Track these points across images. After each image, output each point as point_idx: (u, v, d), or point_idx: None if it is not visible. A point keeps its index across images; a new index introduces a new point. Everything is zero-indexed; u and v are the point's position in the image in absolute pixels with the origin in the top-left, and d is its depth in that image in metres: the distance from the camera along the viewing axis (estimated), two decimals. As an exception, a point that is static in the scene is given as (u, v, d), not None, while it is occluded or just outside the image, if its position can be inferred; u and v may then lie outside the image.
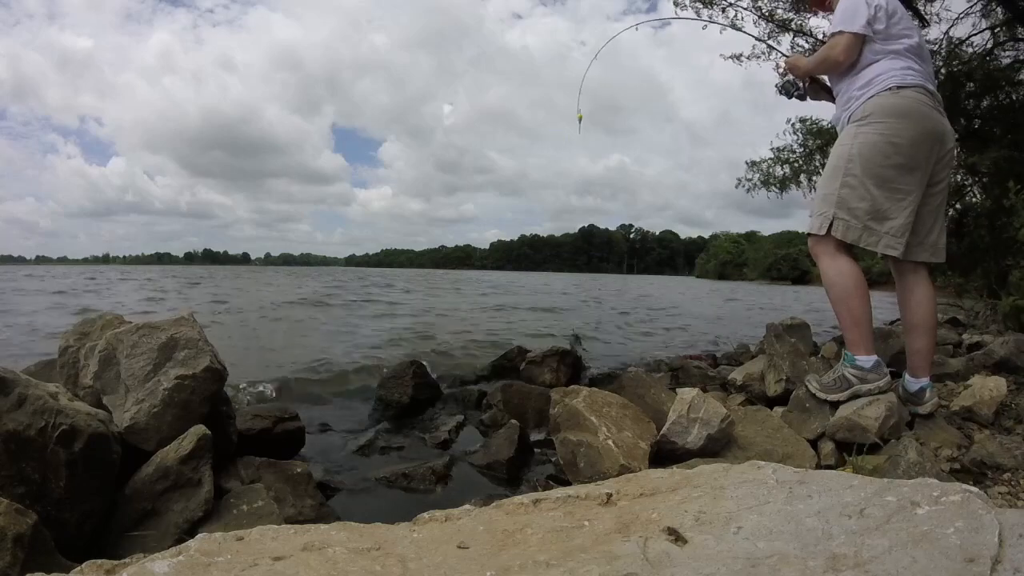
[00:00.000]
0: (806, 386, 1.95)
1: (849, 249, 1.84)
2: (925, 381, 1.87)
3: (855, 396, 1.82)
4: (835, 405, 1.85)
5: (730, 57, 5.66)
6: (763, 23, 5.57)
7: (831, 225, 1.80)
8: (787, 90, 2.21)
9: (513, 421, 2.30)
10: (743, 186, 6.45)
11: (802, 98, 2.22)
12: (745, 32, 5.28)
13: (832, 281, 1.84)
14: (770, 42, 5.57)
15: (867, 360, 1.82)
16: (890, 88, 1.78)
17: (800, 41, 5.42)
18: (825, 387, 1.88)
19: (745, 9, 5.42)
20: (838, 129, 1.97)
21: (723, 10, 5.42)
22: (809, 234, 1.90)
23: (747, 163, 6.52)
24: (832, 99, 2.07)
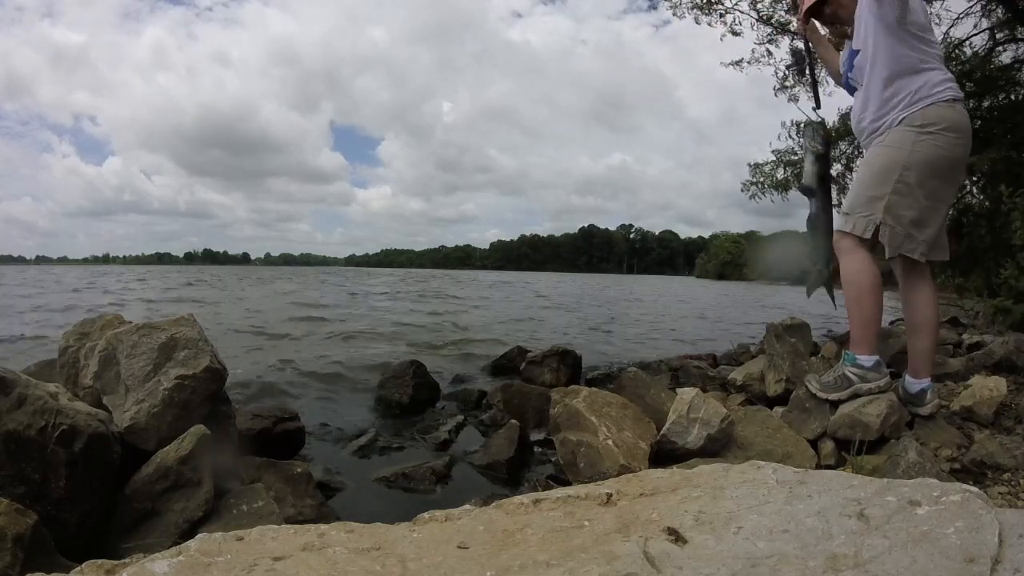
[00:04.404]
0: (806, 386, 1.94)
1: (872, 247, 1.84)
2: (926, 382, 1.87)
3: (855, 395, 1.82)
4: (835, 405, 1.85)
5: (730, 64, 5.68)
6: (762, 26, 5.59)
7: (877, 229, 1.78)
8: (798, 59, 2.17)
9: (513, 421, 2.30)
10: (747, 191, 6.45)
11: (802, 72, 2.16)
12: (753, 18, 5.30)
13: (851, 278, 1.84)
14: (769, 46, 5.59)
15: (868, 359, 1.83)
16: (948, 100, 1.76)
17: (799, 44, 5.43)
18: (825, 386, 1.88)
19: (743, 13, 5.44)
20: (874, 128, 1.87)
21: (721, 16, 5.44)
22: (838, 229, 1.88)
23: (750, 165, 6.52)
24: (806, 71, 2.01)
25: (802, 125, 2.10)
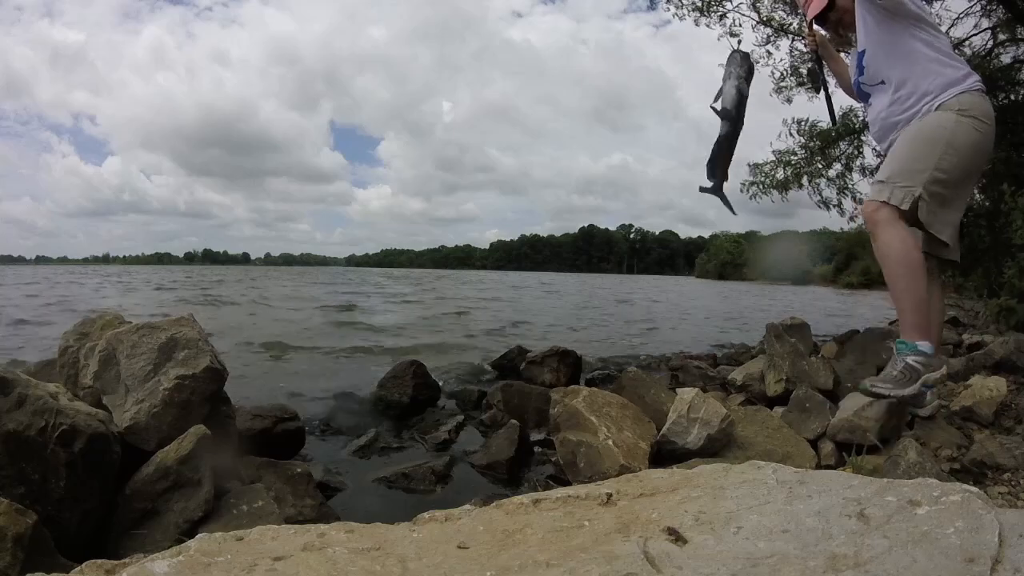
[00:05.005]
0: (871, 393, 1.71)
1: (910, 222, 1.74)
2: None
3: (925, 386, 1.69)
4: (835, 405, 1.85)
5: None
6: (761, 28, 5.59)
7: (916, 202, 1.68)
8: (813, 78, 2.16)
9: (513, 421, 2.30)
10: (747, 191, 6.43)
11: (818, 89, 2.16)
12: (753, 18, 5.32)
13: (894, 253, 1.67)
14: (769, 47, 5.60)
15: (927, 345, 1.69)
16: (979, 90, 1.73)
17: (799, 45, 5.44)
18: (896, 383, 1.68)
19: (744, 15, 5.44)
20: (908, 118, 1.78)
21: (720, 17, 5.45)
22: (872, 199, 1.75)
23: (750, 165, 6.51)
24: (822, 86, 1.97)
25: (730, 53, 2.14)
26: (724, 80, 2.10)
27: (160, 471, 1.38)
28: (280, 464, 1.72)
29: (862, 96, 1.98)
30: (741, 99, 2.08)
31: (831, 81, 2.32)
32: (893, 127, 1.85)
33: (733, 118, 2.07)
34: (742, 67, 2.09)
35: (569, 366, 3.50)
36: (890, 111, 1.84)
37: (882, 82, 1.84)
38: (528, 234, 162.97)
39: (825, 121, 6.02)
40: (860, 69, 1.91)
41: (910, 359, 1.67)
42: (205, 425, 1.49)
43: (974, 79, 1.73)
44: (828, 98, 2.26)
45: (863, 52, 1.87)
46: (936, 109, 1.72)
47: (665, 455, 1.77)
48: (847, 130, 5.86)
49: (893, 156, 1.79)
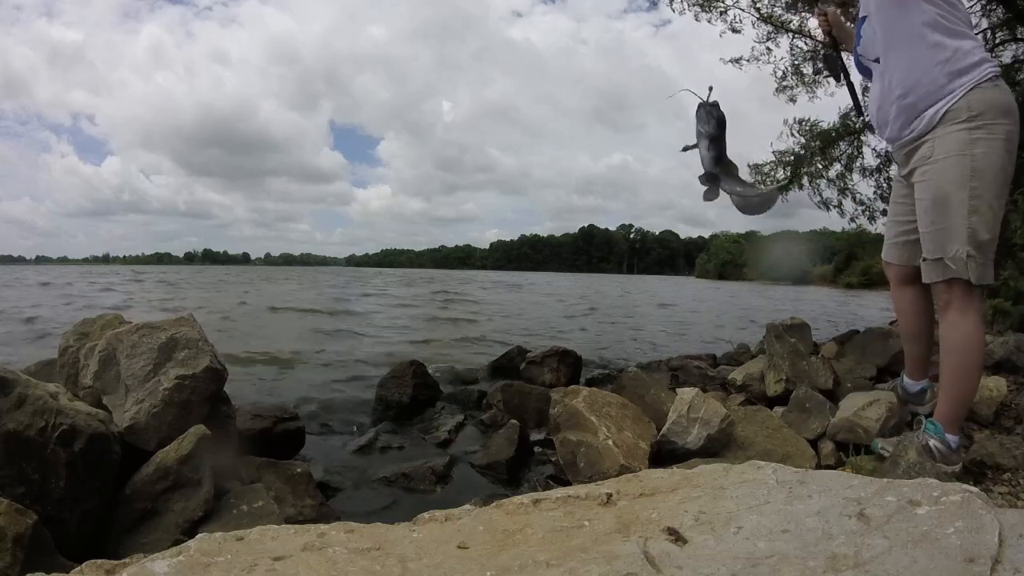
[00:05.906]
0: (878, 451, 1.64)
1: (982, 300, 1.56)
2: (925, 382, 1.86)
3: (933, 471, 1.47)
4: (835, 405, 1.85)
5: (730, 61, 5.71)
6: (762, 25, 5.61)
7: (965, 267, 1.46)
8: (830, 64, 1.96)
9: (513, 421, 2.30)
10: None
11: (837, 77, 1.89)
12: (754, 17, 5.32)
13: (964, 345, 1.51)
14: (769, 44, 5.61)
15: (955, 440, 1.56)
16: (990, 79, 1.46)
17: (799, 43, 5.45)
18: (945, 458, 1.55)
19: (743, 11, 5.46)
20: (911, 116, 1.54)
21: (721, 13, 5.46)
22: (937, 282, 1.53)
23: (749, 165, 6.50)
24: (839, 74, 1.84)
25: (696, 107, 1.91)
26: (697, 141, 1.91)
27: (160, 471, 1.38)
28: (280, 464, 1.72)
29: (863, 71, 1.75)
30: (719, 155, 1.88)
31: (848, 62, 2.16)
32: (886, 120, 1.64)
33: (720, 177, 1.90)
34: (708, 123, 1.87)
35: (569, 366, 3.50)
36: (883, 100, 1.63)
37: (877, 60, 1.62)
38: (528, 234, 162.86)
39: (826, 121, 6.01)
40: (859, 38, 1.69)
41: (932, 442, 1.55)
42: (205, 425, 1.49)
43: (983, 67, 1.46)
44: (850, 85, 1.98)
45: (864, 18, 1.66)
46: (940, 121, 1.48)
47: (665, 455, 1.77)
48: (847, 130, 5.87)
49: (926, 221, 1.56)
